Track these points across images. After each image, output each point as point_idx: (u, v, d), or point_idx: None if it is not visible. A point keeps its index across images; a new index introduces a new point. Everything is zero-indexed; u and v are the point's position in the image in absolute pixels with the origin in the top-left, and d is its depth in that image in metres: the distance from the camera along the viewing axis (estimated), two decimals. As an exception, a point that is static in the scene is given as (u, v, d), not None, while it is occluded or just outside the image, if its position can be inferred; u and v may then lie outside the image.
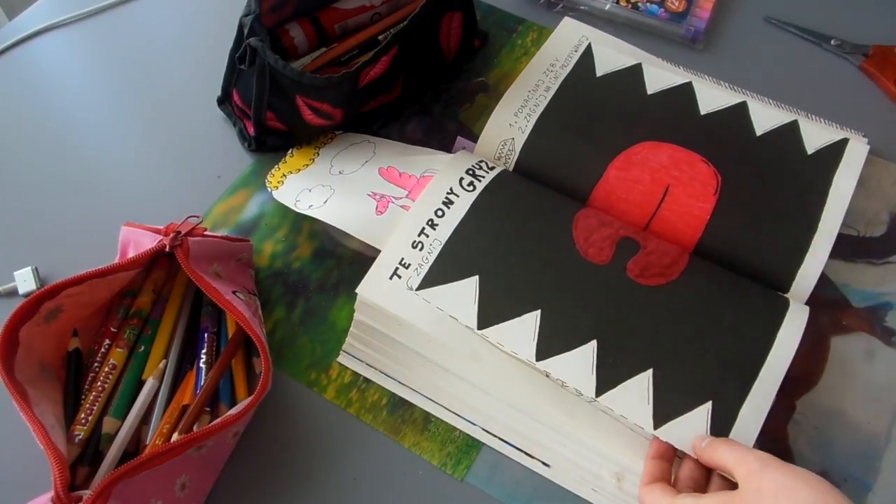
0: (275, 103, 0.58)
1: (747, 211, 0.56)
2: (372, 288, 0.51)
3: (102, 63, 0.69)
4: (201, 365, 0.50)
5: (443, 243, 0.52)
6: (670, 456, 0.46)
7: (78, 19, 0.72)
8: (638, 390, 0.47)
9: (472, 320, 0.49)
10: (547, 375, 0.48)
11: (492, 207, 0.54)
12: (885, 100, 0.65)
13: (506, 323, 0.49)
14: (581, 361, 0.48)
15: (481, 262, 0.51)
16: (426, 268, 0.51)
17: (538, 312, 0.49)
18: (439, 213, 0.53)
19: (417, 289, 0.50)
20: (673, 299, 0.50)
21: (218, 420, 0.45)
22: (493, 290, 0.50)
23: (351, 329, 0.53)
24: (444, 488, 0.49)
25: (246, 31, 0.56)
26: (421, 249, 0.52)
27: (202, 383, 0.49)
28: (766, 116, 0.60)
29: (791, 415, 0.51)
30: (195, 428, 0.47)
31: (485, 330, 0.49)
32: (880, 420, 0.51)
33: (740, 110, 0.61)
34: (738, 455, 0.41)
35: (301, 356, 0.54)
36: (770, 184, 0.57)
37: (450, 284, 0.50)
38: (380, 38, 0.63)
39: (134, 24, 0.71)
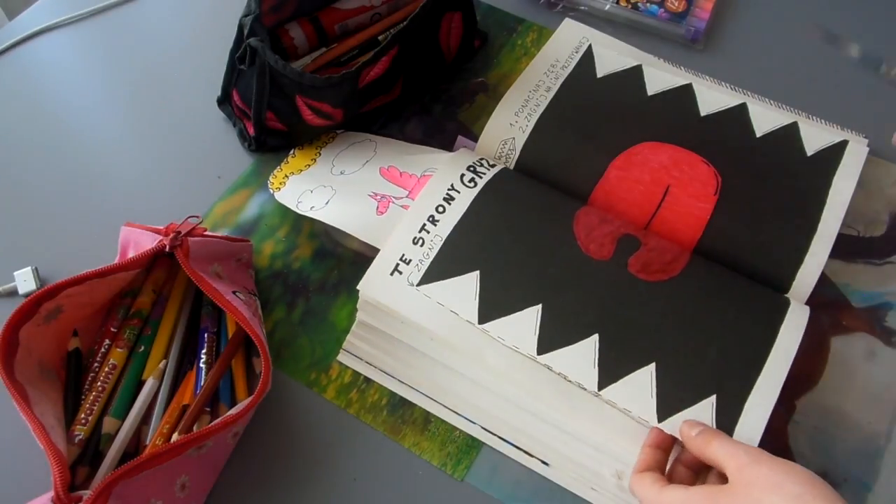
0: (275, 103, 0.58)
1: (747, 211, 0.56)
2: (373, 284, 0.51)
3: (102, 63, 0.69)
4: (201, 365, 0.50)
5: (444, 239, 0.52)
6: (667, 446, 0.46)
7: (78, 19, 0.72)
8: (641, 384, 0.47)
9: (473, 315, 0.49)
10: (549, 369, 0.48)
11: (493, 204, 0.54)
12: (882, 100, 0.65)
13: (506, 317, 0.49)
14: (583, 355, 0.48)
15: (482, 257, 0.51)
16: (427, 263, 0.51)
17: (539, 307, 0.49)
18: (440, 209, 0.53)
19: (418, 284, 0.50)
20: (674, 295, 0.50)
21: (218, 420, 0.45)
22: (494, 285, 0.50)
23: (353, 328, 0.53)
24: (444, 488, 0.49)
25: (246, 32, 0.56)
26: (422, 245, 0.52)
27: (202, 383, 0.49)
28: (765, 118, 0.60)
29: (791, 415, 0.51)
30: (195, 428, 0.47)
31: (485, 324, 0.49)
32: (880, 420, 0.51)
33: (740, 112, 0.61)
34: (728, 450, 0.42)
35: (301, 356, 0.54)
36: (770, 185, 0.57)
37: (450, 280, 0.50)
38: (380, 38, 0.63)
39: (134, 25, 0.71)
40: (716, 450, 0.42)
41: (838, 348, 0.53)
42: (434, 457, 0.50)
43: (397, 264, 0.51)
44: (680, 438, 0.45)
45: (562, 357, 0.48)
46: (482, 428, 0.50)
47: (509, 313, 0.49)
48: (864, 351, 0.53)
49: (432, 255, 0.51)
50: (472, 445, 0.50)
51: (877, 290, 0.56)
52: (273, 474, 0.50)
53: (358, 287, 0.51)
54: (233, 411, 0.46)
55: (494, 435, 0.50)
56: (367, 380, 0.53)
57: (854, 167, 0.58)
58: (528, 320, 0.49)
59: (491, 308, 0.49)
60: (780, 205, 0.56)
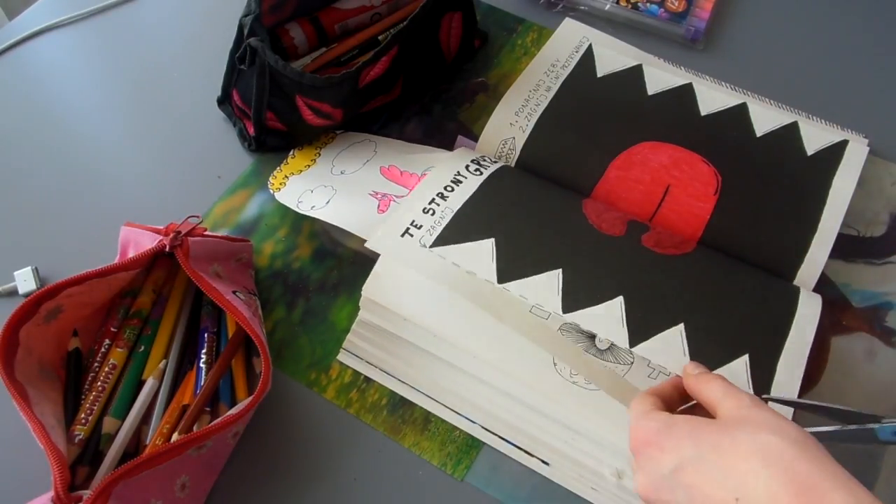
0: (275, 103, 0.58)
1: (747, 211, 0.56)
2: (384, 243, 0.51)
3: (102, 63, 0.69)
4: (201, 365, 0.50)
5: (454, 211, 0.52)
6: (684, 392, 0.42)
7: (78, 19, 0.72)
8: (673, 341, 0.47)
9: (492, 275, 0.49)
10: (577, 330, 0.47)
11: (501, 186, 0.54)
12: (882, 99, 0.65)
13: (527, 279, 0.49)
14: (610, 314, 0.48)
15: (496, 227, 0.51)
16: (439, 230, 0.51)
17: (559, 271, 0.49)
18: (448, 188, 0.53)
19: (431, 246, 0.50)
20: (693, 265, 0.50)
21: (218, 420, 0.45)
22: (511, 251, 0.50)
23: (353, 327, 0.53)
24: (444, 488, 0.49)
25: (246, 31, 0.56)
26: (433, 215, 0.52)
27: (202, 383, 0.49)
28: (765, 117, 0.61)
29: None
30: (195, 428, 0.47)
31: (506, 283, 0.48)
32: (880, 420, 0.51)
33: (740, 111, 0.61)
34: (731, 392, 0.37)
35: (301, 356, 0.54)
36: (770, 184, 0.57)
37: (465, 244, 0.50)
38: (380, 38, 0.63)
39: (134, 25, 0.71)
40: (714, 389, 0.38)
41: (838, 348, 0.53)
42: (434, 457, 0.50)
43: (408, 228, 0.51)
44: (681, 374, 0.43)
45: (589, 316, 0.47)
46: (482, 427, 0.50)
47: (530, 275, 0.49)
48: (864, 351, 0.53)
49: (444, 222, 0.51)
50: (472, 445, 0.50)
51: (877, 290, 0.56)
52: (273, 474, 0.50)
53: (367, 244, 0.51)
54: (233, 411, 0.46)
55: (494, 434, 0.50)
56: (368, 379, 0.53)
57: (854, 167, 0.58)
58: (550, 282, 0.48)
59: (510, 269, 0.49)
60: (780, 204, 0.56)
